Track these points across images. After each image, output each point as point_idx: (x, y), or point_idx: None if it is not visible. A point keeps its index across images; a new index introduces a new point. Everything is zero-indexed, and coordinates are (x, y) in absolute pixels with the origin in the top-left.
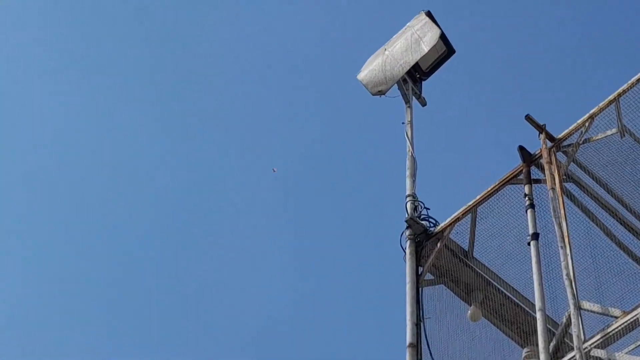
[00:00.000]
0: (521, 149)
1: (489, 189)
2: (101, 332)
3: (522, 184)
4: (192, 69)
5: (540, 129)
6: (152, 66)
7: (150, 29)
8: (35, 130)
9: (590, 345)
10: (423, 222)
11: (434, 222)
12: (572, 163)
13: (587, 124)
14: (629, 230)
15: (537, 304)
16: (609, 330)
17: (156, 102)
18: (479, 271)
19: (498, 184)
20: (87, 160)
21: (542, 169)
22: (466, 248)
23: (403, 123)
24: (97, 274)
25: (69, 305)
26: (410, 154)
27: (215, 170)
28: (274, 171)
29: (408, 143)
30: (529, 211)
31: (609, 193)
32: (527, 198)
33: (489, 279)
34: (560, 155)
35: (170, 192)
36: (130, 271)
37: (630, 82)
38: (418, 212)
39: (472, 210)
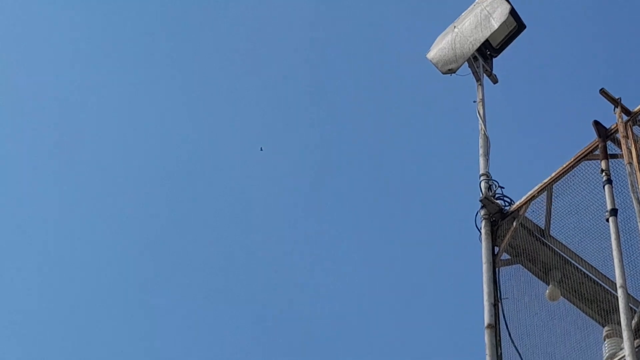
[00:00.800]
0: (596, 123)
1: (564, 165)
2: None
3: (598, 159)
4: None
5: (616, 102)
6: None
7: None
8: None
9: None
10: (498, 201)
11: (509, 201)
12: None
13: None
14: None
15: (618, 281)
16: None
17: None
18: (557, 249)
19: (573, 160)
20: (151, 158)
21: (619, 144)
22: (542, 226)
23: (474, 101)
24: (150, 271)
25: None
26: (482, 133)
27: (271, 162)
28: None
29: (480, 121)
30: (606, 187)
31: None
32: (604, 174)
33: (567, 257)
34: (636, 129)
35: (221, 187)
36: (179, 267)
37: None
38: (492, 192)
39: (548, 187)
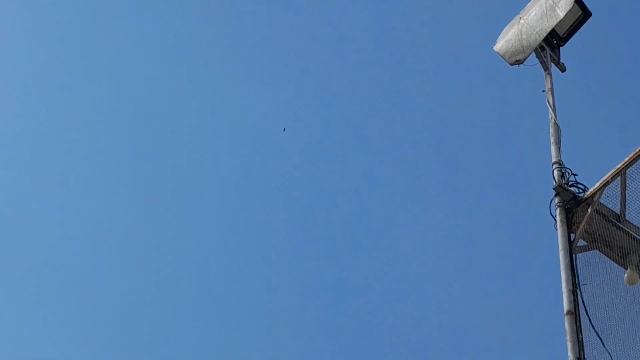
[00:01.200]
0: None
1: (637, 150)
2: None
3: None
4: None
5: None
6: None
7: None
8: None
9: None
10: (571, 188)
11: (582, 187)
12: None
13: None
14: None
15: None
16: None
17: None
18: (633, 234)
19: None
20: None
21: None
22: (618, 211)
23: (543, 91)
24: (255, 276)
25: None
26: (553, 121)
27: (358, 159)
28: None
29: (550, 110)
30: None
31: None
32: None
33: None
34: None
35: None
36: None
37: None
38: (566, 179)
39: (621, 172)
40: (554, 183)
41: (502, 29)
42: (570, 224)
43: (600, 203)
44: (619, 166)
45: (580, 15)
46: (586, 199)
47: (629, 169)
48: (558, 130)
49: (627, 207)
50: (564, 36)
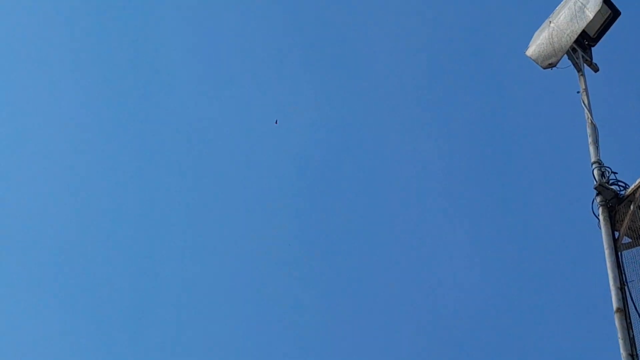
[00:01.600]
0: None
1: None
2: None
3: None
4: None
5: None
6: None
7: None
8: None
9: None
10: (612, 187)
11: (623, 185)
12: None
13: None
14: None
15: None
16: None
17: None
18: None
19: None
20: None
21: None
22: None
23: (578, 92)
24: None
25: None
26: (589, 122)
27: (386, 159)
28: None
29: (586, 111)
30: None
31: None
32: None
33: None
34: None
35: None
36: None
37: None
38: (606, 178)
39: None
40: (595, 182)
41: (533, 34)
42: (613, 222)
43: None
44: None
45: (610, 14)
46: (627, 196)
47: None
48: (595, 130)
49: None
50: (594, 36)
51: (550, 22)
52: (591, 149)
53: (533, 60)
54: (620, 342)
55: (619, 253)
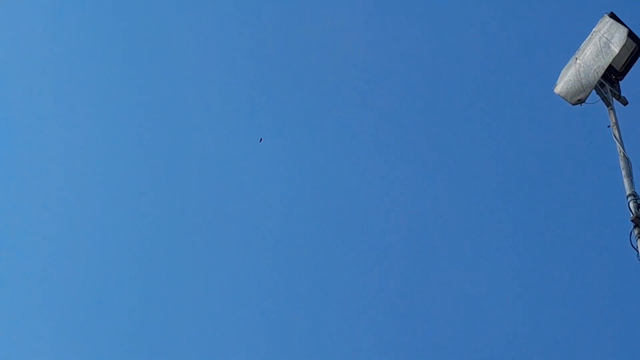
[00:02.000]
0: None
1: None
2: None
3: None
4: None
5: None
6: None
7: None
8: None
9: None
10: None
11: None
12: None
13: None
14: None
15: None
16: None
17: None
18: None
19: None
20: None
21: None
22: None
23: (609, 126)
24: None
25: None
26: (622, 155)
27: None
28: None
29: (617, 144)
30: None
31: None
32: None
33: None
34: None
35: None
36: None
37: None
38: None
39: None
40: (631, 215)
41: (559, 72)
42: None
43: None
44: None
45: (635, 48)
46: None
47: None
48: (628, 163)
49: None
50: (621, 70)
51: (576, 58)
52: (625, 181)
53: (562, 97)
54: None
55: None
